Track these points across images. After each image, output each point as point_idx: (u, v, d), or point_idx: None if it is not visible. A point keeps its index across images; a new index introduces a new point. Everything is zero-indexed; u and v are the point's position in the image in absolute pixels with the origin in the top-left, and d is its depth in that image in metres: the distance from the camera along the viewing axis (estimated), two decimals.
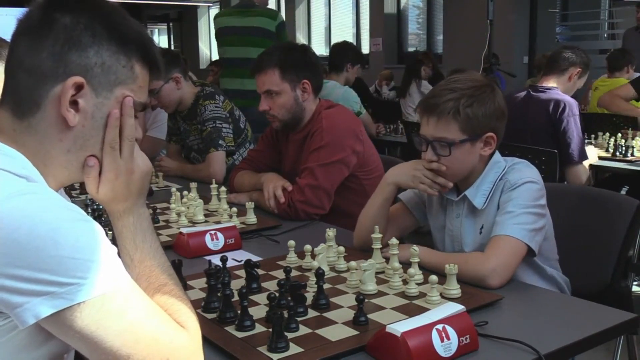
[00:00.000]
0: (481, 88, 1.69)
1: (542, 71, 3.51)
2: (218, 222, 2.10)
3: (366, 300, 1.38)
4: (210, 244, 1.87)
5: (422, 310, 1.35)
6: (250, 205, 2.17)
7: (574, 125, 3.23)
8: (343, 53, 4.60)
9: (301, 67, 2.38)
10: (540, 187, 1.70)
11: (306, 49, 2.49)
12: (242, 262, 1.58)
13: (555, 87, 3.35)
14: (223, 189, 2.31)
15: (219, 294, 1.40)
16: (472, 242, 1.75)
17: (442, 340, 1.18)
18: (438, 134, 1.68)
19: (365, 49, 10.98)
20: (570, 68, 3.36)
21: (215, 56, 15.35)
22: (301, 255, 1.73)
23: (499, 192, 1.71)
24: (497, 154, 1.76)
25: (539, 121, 3.28)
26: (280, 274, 1.58)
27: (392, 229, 1.86)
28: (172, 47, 17.00)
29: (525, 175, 1.69)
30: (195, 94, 3.07)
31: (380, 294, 1.50)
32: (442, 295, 1.45)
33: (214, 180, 2.42)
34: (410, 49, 10.52)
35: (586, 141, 3.60)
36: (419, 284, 1.51)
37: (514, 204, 1.64)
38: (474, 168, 1.73)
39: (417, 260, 1.53)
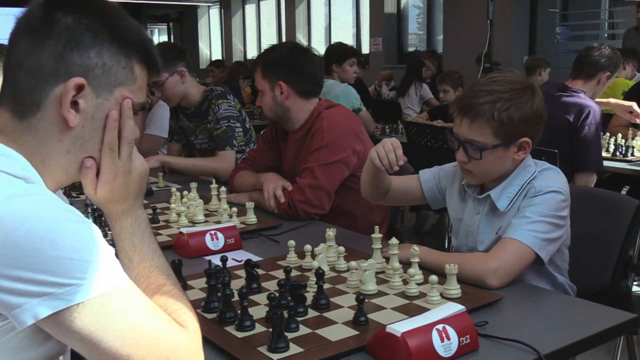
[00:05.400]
0: (521, 91, 1.64)
1: (571, 73, 3.38)
2: (218, 222, 2.10)
3: (366, 300, 1.38)
4: (210, 244, 1.87)
5: (422, 310, 1.35)
6: (250, 205, 2.17)
7: (594, 134, 3.16)
8: (327, 55, 4.68)
9: (280, 68, 2.36)
10: (565, 198, 1.65)
11: (300, 51, 2.42)
12: (242, 262, 1.58)
13: (582, 90, 3.26)
14: (223, 189, 2.31)
15: (219, 294, 1.40)
16: (487, 242, 1.71)
17: (442, 340, 1.18)
18: (471, 136, 1.65)
19: (365, 48, 10.97)
20: (599, 73, 3.26)
21: (215, 56, 15.39)
22: (301, 255, 1.73)
23: (522, 197, 1.67)
24: (529, 157, 1.71)
25: (560, 122, 3.18)
26: (280, 274, 1.58)
27: (399, 192, 1.95)
28: None
29: (552, 184, 1.65)
30: (203, 92, 3.07)
31: (380, 294, 1.50)
32: (442, 295, 1.45)
33: (214, 180, 2.42)
34: (410, 49, 10.51)
35: None
36: (419, 284, 1.50)
37: (532, 210, 1.61)
38: (505, 171, 1.70)
39: (417, 260, 1.53)
